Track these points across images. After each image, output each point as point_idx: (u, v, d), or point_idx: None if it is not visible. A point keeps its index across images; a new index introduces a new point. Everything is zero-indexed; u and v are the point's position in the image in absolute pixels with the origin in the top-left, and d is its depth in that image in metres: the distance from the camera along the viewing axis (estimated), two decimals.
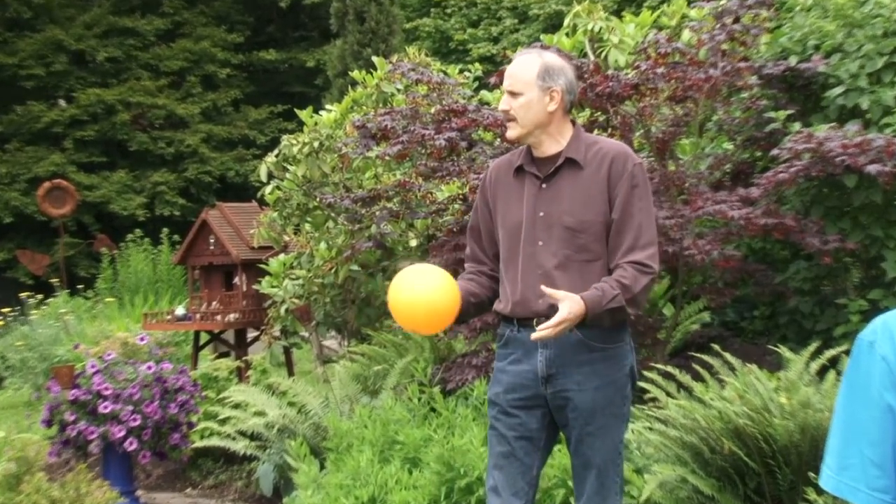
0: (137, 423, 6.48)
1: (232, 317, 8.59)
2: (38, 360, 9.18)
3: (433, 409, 5.57)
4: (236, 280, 8.75)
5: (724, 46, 5.70)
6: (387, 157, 6.60)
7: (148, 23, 22.56)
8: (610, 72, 5.76)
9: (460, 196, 6.41)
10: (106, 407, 6.44)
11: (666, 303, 6.03)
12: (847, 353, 4.48)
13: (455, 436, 5.00)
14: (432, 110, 6.68)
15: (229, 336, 9.30)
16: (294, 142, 7.52)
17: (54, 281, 13.70)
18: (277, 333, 8.15)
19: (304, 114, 8.04)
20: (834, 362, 4.67)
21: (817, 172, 5.18)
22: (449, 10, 22.11)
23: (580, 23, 6.93)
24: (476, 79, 8.22)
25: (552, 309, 3.16)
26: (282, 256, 8.16)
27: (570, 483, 4.16)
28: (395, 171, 7.55)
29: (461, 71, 8.21)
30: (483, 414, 5.19)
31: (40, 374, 8.96)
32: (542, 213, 3.30)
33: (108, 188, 20.87)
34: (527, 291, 3.29)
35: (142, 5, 22.94)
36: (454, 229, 6.17)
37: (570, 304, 3.13)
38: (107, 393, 6.48)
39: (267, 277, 8.17)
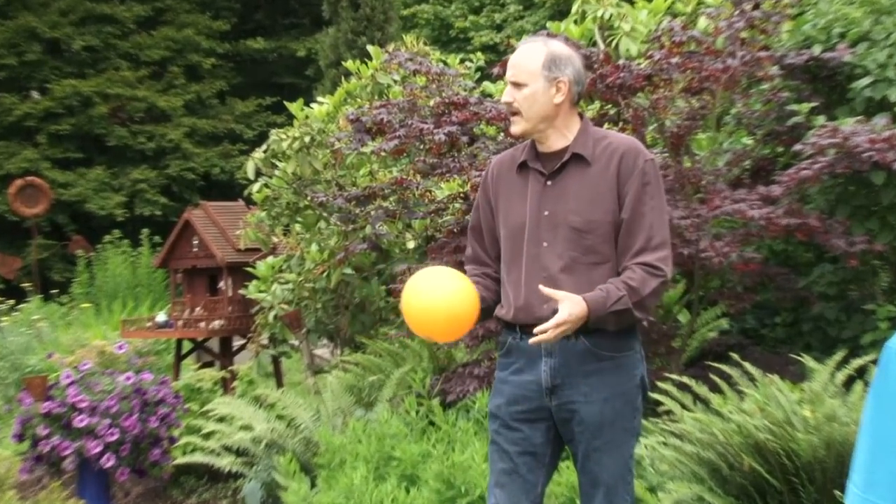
0: (115, 437, 6.48)
1: (217, 324, 8.59)
2: (9, 371, 9.18)
3: (432, 423, 5.57)
4: (221, 284, 8.75)
5: (743, 34, 5.70)
6: (383, 153, 6.60)
7: (127, 9, 22.59)
8: (621, 62, 5.76)
9: (461, 194, 6.41)
10: (81, 420, 6.44)
11: (681, 309, 6.03)
12: (875, 362, 4.48)
13: (455, 451, 5.00)
14: (431, 103, 6.68)
15: (214, 344, 9.30)
16: (283, 136, 7.53)
17: (26, 285, 13.71)
18: (265, 342, 8.15)
19: (294, 107, 8.04)
20: (861, 372, 4.67)
21: (843, 169, 5.17)
22: None
23: (589, 9, 6.94)
24: (478, 69, 8.22)
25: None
26: (270, 259, 8.16)
27: (578, 502, 4.16)
28: (392, 167, 7.55)
29: (462, 61, 8.22)
30: (485, 428, 5.19)
31: (11, 385, 8.96)
32: (546, 213, 3.30)
33: (84, 186, 20.88)
34: (530, 296, 3.28)
35: None
36: (455, 230, 6.17)
37: (570, 306, 3.13)
38: (82, 405, 6.47)
39: (254, 282, 8.17)
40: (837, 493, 3.96)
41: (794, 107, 5.60)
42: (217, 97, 23.33)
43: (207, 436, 6.86)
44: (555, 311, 3.16)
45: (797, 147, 5.35)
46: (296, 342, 8.25)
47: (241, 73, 24.11)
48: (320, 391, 6.83)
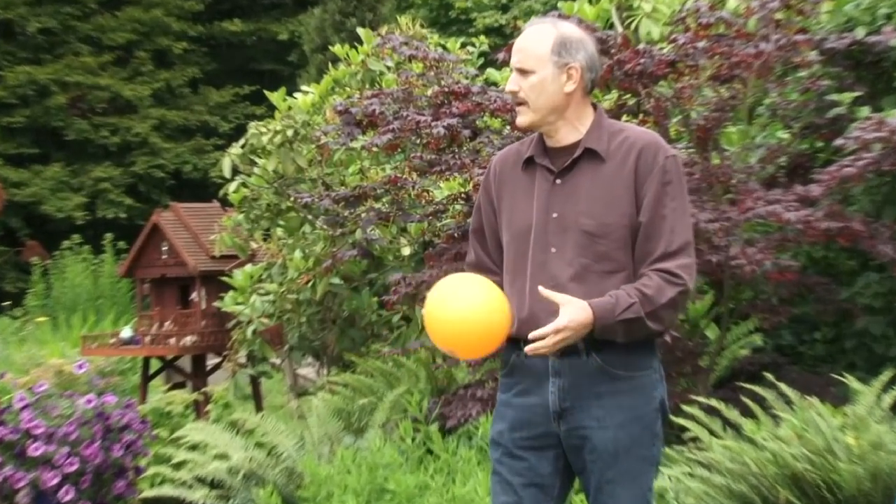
0: (74, 467, 6.48)
1: (188, 340, 8.60)
2: None
3: (430, 451, 5.57)
4: (194, 296, 8.76)
5: (778, 15, 5.71)
6: (374, 149, 6.61)
7: None
8: (641, 46, 5.78)
9: (462, 195, 6.42)
10: (37, 449, 6.44)
11: (709, 323, 6.04)
12: None
13: (456, 483, 5.01)
14: (429, 92, 6.69)
15: (185, 363, 9.30)
16: (263, 130, 7.54)
17: None
18: (243, 360, 8.16)
19: (275, 96, 8.06)
20: None
21: (890, 166, 5.18)
22: None
23: None
24: (481, 54, 8.24)
25: None
26: (248, 267, 8.17)
27: None
28: (385, 164, 7.57)
29: (463, 45, 8.24)
30: (489, 457, 5.20)
31: None
32: (555, 215, 3.30)
33: (39, 185, 20.91)
34: (536, 307, 3.27)
35: None
36: (455, 235, 6.18)
37: (572, 311, 3.12)
38: (38, 432, 6.48)
39: (230, 293, 8.17)
40: None
41: (835, 96, 5.61)
42: (189, 86, 23.38)
43: (178, 466, 6.86)
44: None
45: (839, 142, 5.35)
46: (277, 361, 8.26)
47: (216, 58, 24.16)
48: (304, 415, 6.84)
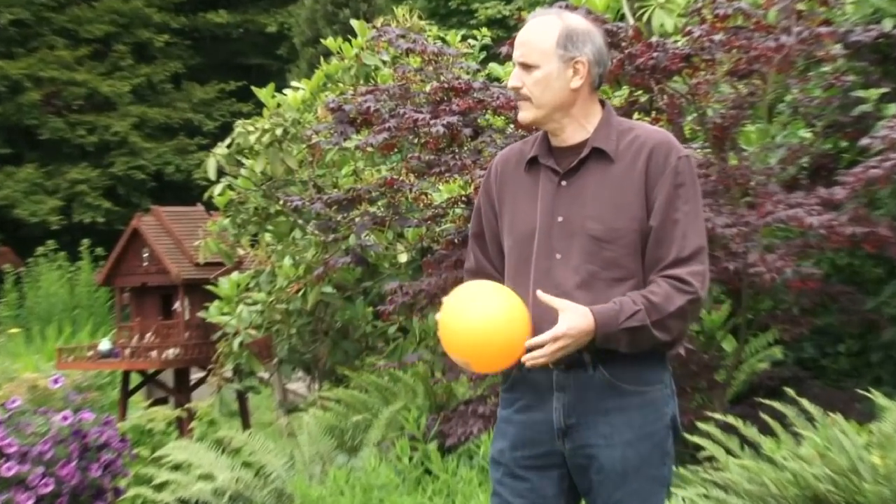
0: (49, 489, 6.49)
1: (171, 353, 8.61)
2: None
3: (428, 472, 5.58)
4: (177, 306, 8.77)
5: (800, 6, 5.73)
6: (369, 149, 6.62)
7: None
8: (654, 39, 5.79)
9: (463, 198, 6.43)
10: (9, 468, 6.45)
11: (726, 335, 6.05)
12: None
13: None
14: (427, 88, 6.71)
15: (167, 377, 9.31)
16: (251, 129, 7.56)
17: None
18: (229, 374, 8.16)
19: (263, 93, 8.07)
20: None
21: None
22: None
23: None
24: (483, 48, 8.26)
25: None
26: (235, 275, 8.18)
27: None
28: (380, 166, 7.58)
29: (464, 38, 8.25)
30: (490, 477, 5.20)
31: None
32: (560, 219, 3.30)
33: (12, 188, 20.92)
34: (539, 317, 3.29)
35: None
36: (455, 240, 6.19)
37: (572, 317, 3.12)
38: (10, 451, 6.49)
39: (216, 302, 8.18)
40: None
41: (861, 93, 5.62)
42: (171, 81, 23.41)
43: (160, 487, 6.87)
44: None
45: (864, 141, 5.37)
46: (265, 375, 8.27)
47: (200, 52, 24.19)
48: (295, 433, 6.84)
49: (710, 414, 5.06)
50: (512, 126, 6.50)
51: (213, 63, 24.15)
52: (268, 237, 8.00)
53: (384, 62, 7.81)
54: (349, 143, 6.89)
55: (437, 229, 6.78)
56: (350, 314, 7.60)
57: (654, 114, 5.98)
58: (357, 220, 6.86)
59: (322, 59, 8.33)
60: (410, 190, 6.63)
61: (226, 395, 8.26)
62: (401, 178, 6.68)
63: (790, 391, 4.93)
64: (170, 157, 22.37)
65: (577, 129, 3.35)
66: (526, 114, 3.35)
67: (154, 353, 8.67)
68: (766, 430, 4.76)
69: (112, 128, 21.87)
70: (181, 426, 8.31)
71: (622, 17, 6.90)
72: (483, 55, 8.23)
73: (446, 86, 6.51)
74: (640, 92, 6.02)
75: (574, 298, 3.18)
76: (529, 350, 3.14)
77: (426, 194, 6.73)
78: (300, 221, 7.54)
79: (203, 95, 23.25)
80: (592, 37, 3.35)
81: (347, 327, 7.74)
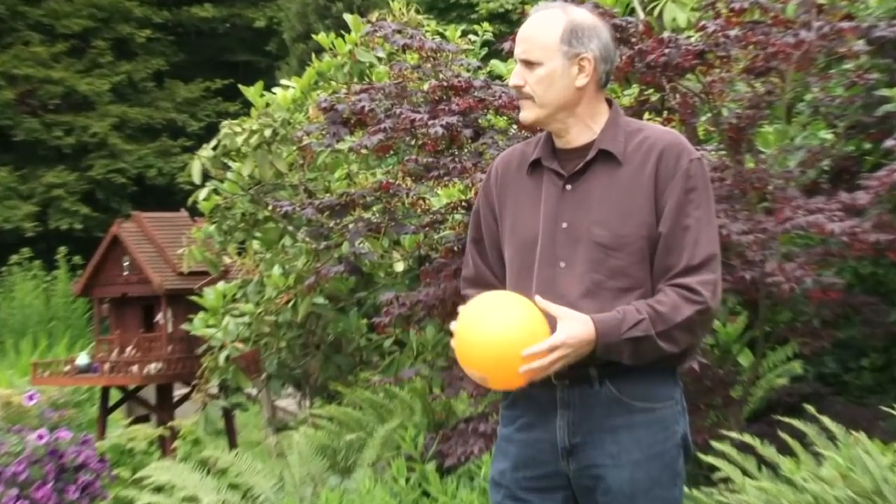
0: None
1: (153, 367, 8.62)
2: None
3: (426, 494, 5.58)
4: (159, 317, 8.78)
5: (821, 0, 5.74)
6: (364, 151, 6.63)
7: None
8: (666, 34, 5.80)
9: (463, 203, 6.44)
10: None
11: (742, 349, 6.05)
12: None
13: None
14: (425, 87, 6.72)
15: (149, 394, 9.32)
16: (238, 129, 7.57)
17: None
18: (214, 390, 8.17)
19: (251, 91, 8.08)
20: None
21: None
22: None
23: None
24: (484, 44, 8.27)
25: None
26: (221, 285, 8.18)
27: None
28: (375, 169, 7.59)
29: (464, 34, 8.26)
30: (490, 499, 5.21)
31: None
32: (564, 225, 3.31)
33: None
34: None
35: None
36: (455, 248, 6.20)
37: (571, 326, 3.12)
38: None
39: (200, 314, 8.19)
40: None
41: (885, 92, 5.63)
42: (153, 79, 23.43)
43: None
44: None
45: (889, 143, 5.38)
46: (253, 391, 8.27)
47: (184, 48, 24.21)
48: (284, 453, 6.85)
49: (725, 432, 5.07)
50: (515, 127, 6.51)
51: (197, 60, 24.18)
52: (256, 245, 8.01)
53: (379, 59, 7.83)
54: (342, 145, 6.90)
55: (436, 236, 6.78)
56: (343, 326, 7.61)
57: (665, 114, 5.99)
58: (350, 226, 6.87)
59: (314, 55, 8.34)
60: (407, 194, 6.64)
61: (211, 412, 8.27)
62: (397, 181, 6.69)
63: (810, 408, 4.94)
64: (152, 160, 22.39)
65: (583, 130, 3.35)
66: (528, 113, 3.36)
67: (135, 368, 8.67)
68: (784, 449, 4.77)
69: (90, 129, 21.88)
70: (164, 445, 8.32)
71: (632, 12, 6.91)
72: (484, 51, 8.25)
73: (445, 84, 6.53)
74: (650, 91, 6.03)
75: (579, 309, 3.17)
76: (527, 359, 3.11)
77: (424, 199, 6.75)
78: (290, 228, 7.55)
79: (187, 94, 23.27)
80: (598, 32, 3.36)
81: (340, 340, 7.74)
